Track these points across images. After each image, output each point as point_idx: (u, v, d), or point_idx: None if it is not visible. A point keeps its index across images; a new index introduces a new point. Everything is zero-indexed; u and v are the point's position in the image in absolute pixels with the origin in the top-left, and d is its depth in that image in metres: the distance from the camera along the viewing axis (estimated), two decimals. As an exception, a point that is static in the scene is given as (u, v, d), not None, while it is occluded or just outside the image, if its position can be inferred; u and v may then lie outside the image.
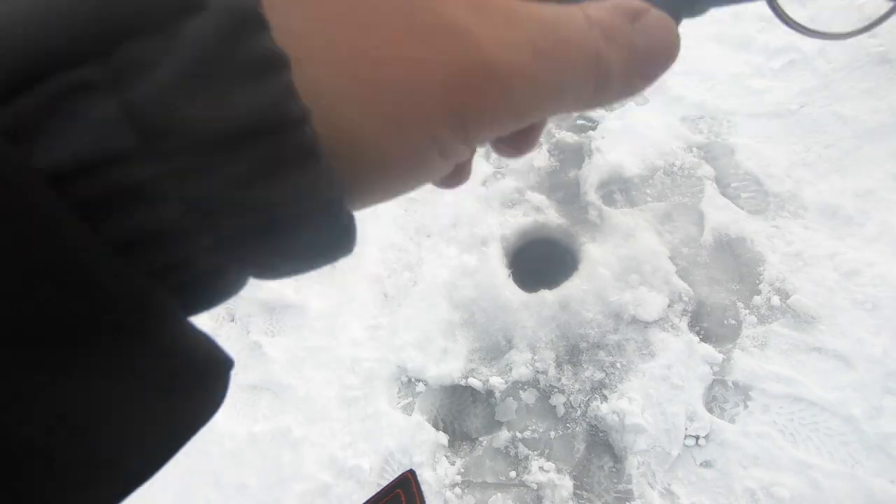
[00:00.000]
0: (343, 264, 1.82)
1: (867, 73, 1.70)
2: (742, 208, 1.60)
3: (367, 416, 1.50)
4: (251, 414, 1.61)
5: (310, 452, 1.48)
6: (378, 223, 1.88)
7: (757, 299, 1.46)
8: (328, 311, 1.73)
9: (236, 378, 1.70)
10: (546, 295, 1.58)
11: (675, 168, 1.74)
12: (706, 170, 1.70)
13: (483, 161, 1.96)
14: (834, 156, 1.59)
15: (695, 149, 1.76)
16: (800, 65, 1.80)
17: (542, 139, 1.96)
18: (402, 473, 1.14)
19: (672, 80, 1.91)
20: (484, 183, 1.90)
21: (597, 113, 1.96)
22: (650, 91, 1.93)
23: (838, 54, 1.77)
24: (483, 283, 1.65)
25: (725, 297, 1.50)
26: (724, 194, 1.64)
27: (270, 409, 1.60)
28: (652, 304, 1.48)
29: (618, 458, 1.37)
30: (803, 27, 0.26)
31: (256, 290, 1.85)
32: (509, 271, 1.68)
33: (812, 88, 1.74)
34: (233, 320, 1.87)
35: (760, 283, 1.48)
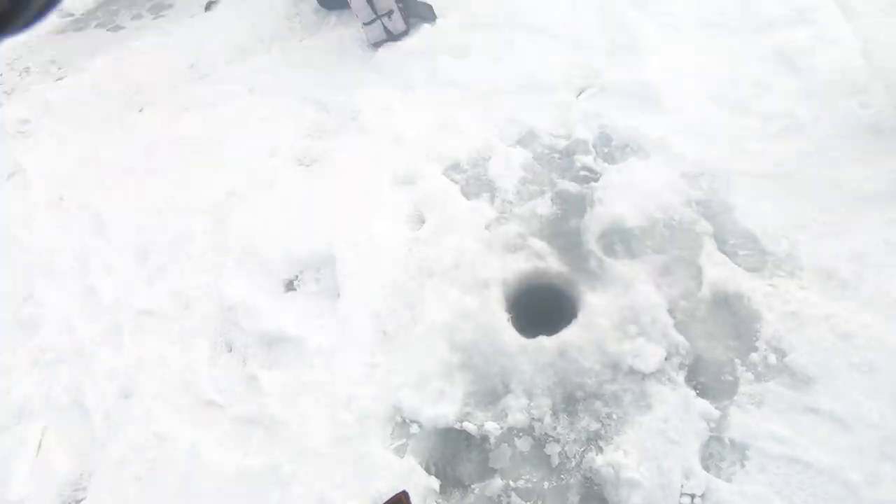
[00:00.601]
0: (345, 301, 1.84)
1: (859, 141, 1.77)
2: (739, 265, 1.63)
3: (360, 456, 1.48)
4: (242, 447, 1.58)
5: (299, 491, 1.45)
6: (381, 262, 1.91)
7: (754, 356, 1.47)
8: (327, 347, 1.73)
9: (229, 410, 1.68)
10: (545, 341, 1.59)
11: (675, 222, 1.78)
12: (704, 225, 1.74)
13: (487, 205, 2.00)
14: (829, 219, 1.64)
15: (694, 204, 1.81)
16: (795, 130, 1.87)
17: (545, 187, 2.02)
18: (396, 494, 1.12)
19: (673, 137, 1.98)
20: (487, 227, 1.94)
21: (599, 165, 2.02)
22: (652, 147, 2.00)
23: (831, 122, 1.84)
24: (483, 326, 1.66)
25: (723, 352, 1.51)
26: (722, 250, 1.68)
27: (262, 444, 1.57)
28: (650, 355, 1.49)
29: (612, 514, 1.34)
30: None
31: (256, 322, 1.86)
32: (509, 316, 1.70)
33: (807, 153, 1.80)
34: (230, 351, 1.87)
35: (757, 340, 1.49)
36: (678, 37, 2.37)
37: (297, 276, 2.03)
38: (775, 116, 1.93)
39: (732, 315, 1.55)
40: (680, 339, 1.53)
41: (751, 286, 1.57)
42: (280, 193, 2.32)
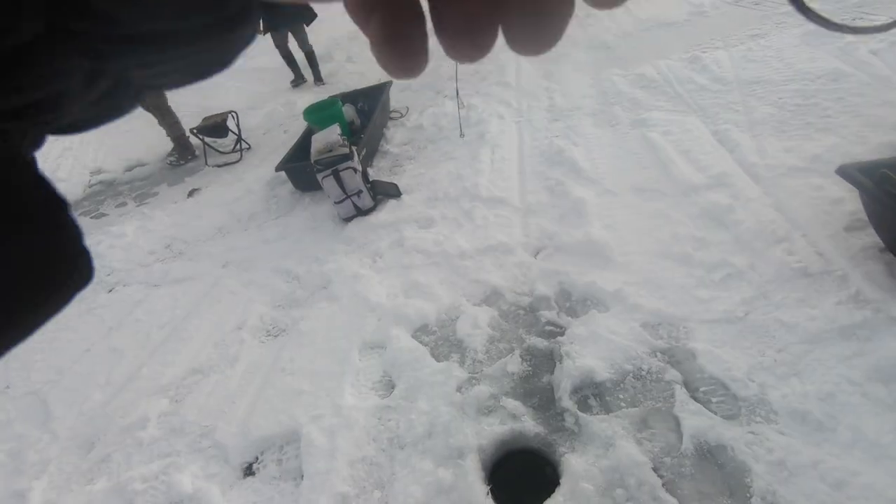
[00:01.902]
0: (309, 483, 1.68)
1: (795, 284, 1.91)
2: (715, 413, 1.60)
3: None
4: None
5: None
6: (349, 435, 1.80)
7: (752, 516, 1.36)
8: (286, 543, 1.52)
9: None
10: (528, 516, 1.45)
11: (644, 372, 1.79)
12: (673, 374, 1.75)
13: (457, 366, 1.99)
14: (788, 360, 1.68)
15: (658, 353, 1.84)
16: (736, 277, 2.02)
17: (514, 344, 2.04)
18: None
19: (628, 290, 2.10)
20: (459, 389, 1.89)
21: (563, 319, 2.08)
22: (610, 300, 2.10)
23: (766, 269, 2.01)
24: (460, 502, 1.52)
25: (719, 514, 1.40)
26: (694, 398, 1.66)
27: None
28: (643, 525, 1.36)
29: None
30: (825, 20, 0.23)
31: (207, 518, 1.65)
32: (488, 488, 1.57)
33: (752, 298, 1.92)
34: (173, 557, 1.62)
35: (751, 496, 1.39)
36: (616, 201, 2.67)
37: (257, 458, 1.87)
38: (716, 266, 2.09)
39: (720, 468, 1.48)
40: (672, 501, 1.42)
41: (731, 435, 1.53)
42: (244, 368, 2.26)
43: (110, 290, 3.12)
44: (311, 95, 5.73)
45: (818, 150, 2.56)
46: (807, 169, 2.47)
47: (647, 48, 4.66)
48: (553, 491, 1.52)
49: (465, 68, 5.38)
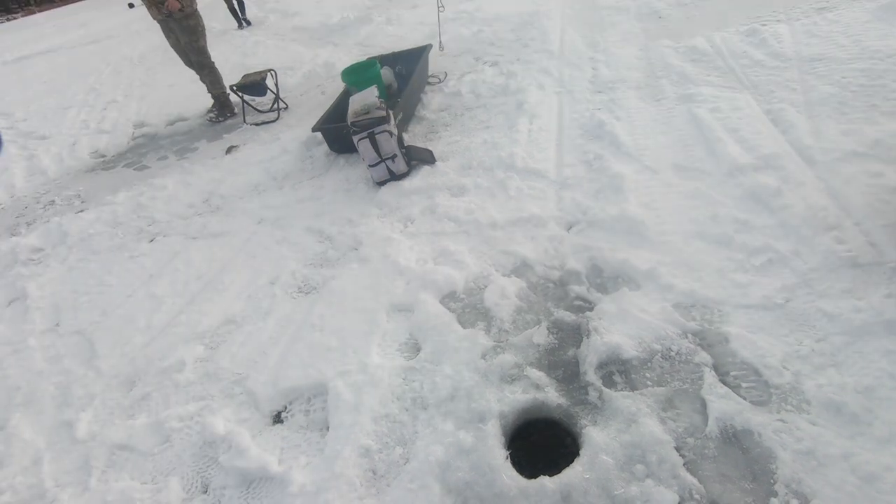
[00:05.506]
0: (334, 435, 1.74)
1: (842, 274, 1.83)
2: (744, 398, 1.57)
3: None
4: None
5: None
6: (374, 392, 1.85)
7: (774, 502, 1.34)
8: (310, 489, 1.59)
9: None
10: (546, 483, 1.47)
11: (673, 353, 1.76)
12: (703, 356, 1.72)
13: (483, 334, 2.00)
14: (827, 350, 1.62)
15: (690, 335, 1.80)
16: (778, 263, 1.94)
17: (541, 316, 2.03)
18: None
19: (662, 269, 2.05)
20: (483, 356, 1.91)
21: (592, 295, 2.06)
22: (642, 278, 2.06)
23: (812, 256, 1.92)
24: (479, 464, 1.55)
25: (740, 496, 1.38)
26: (724, 382, 1.63)
27: None
28: (661, 501, 1.37)
29: None
30: None
31: (237, 459, 1.73)
32: (507, 452, 1.59)
33: (794, 285, 1.85)
34: (205, 492, 1.72)
35: (775, 482, 1.38)
36: (656, 178, 2.59)
37: (286, 408, 1.94)
38: (758, 251, 2.02)
39: (744, 453, 1.46)
40: (692, 480, 1.41)
41: (759, 421, 1.50)
42: (276, 321, 2.32)
43: (151, 240, 3.24)
44: (348, 56, 5.68)
45: (880, 135, 2.41)
46: (866, 154, 2.33)
47: (701, 18, 4.42)
48: (572, 461, 1.54)
49: (507, 34, 5.23)
